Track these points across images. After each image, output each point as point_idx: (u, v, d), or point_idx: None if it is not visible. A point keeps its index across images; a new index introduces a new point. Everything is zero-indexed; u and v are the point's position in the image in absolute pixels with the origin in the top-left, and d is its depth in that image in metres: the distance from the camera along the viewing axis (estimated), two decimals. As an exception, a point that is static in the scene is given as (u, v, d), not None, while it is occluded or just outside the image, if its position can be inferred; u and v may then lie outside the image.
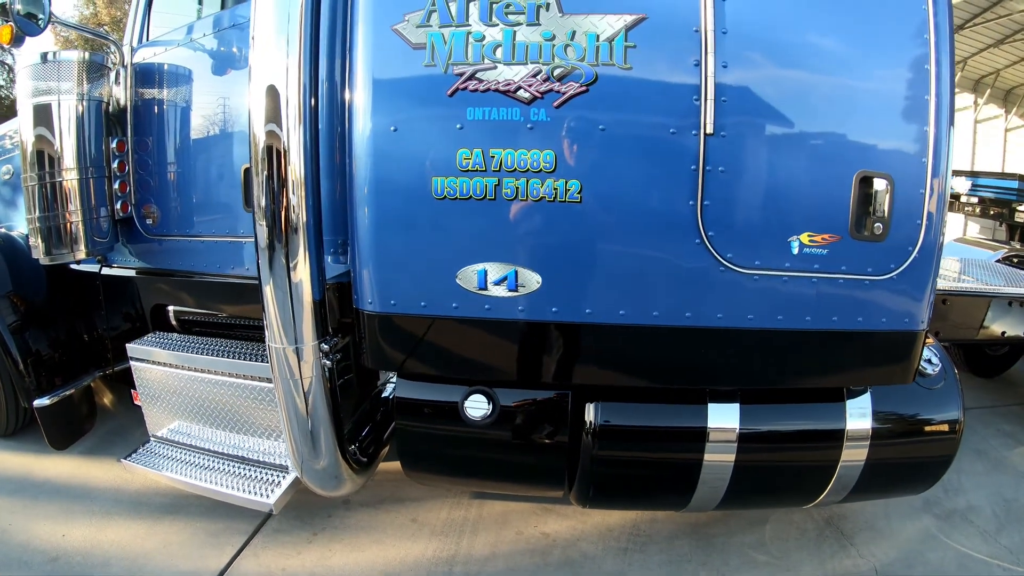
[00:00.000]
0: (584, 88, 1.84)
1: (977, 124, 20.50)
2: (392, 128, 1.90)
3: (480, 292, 1.96)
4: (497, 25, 1.85)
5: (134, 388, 2.82)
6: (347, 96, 1.97)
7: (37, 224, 2.52)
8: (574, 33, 1.83)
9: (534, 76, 1.84)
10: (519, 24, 1.84)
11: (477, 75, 1.85)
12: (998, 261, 4.44)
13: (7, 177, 3.36)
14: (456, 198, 1.89)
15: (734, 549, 2.72)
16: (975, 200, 9.25)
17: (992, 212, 9.05)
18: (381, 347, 2.09)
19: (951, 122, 1.93)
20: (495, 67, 1.85)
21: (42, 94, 2.45)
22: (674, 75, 1.86)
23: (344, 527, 2.79)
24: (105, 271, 2.92)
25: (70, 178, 2.51)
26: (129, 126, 2.62)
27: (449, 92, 1.86)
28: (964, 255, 4.60)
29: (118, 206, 2.64)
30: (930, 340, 2.43)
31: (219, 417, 2.65)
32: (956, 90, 2.01)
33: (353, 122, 1.94)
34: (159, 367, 2.69)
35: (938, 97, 1.90)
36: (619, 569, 2.59)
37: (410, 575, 2.53)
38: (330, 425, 2.12)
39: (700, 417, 2.16)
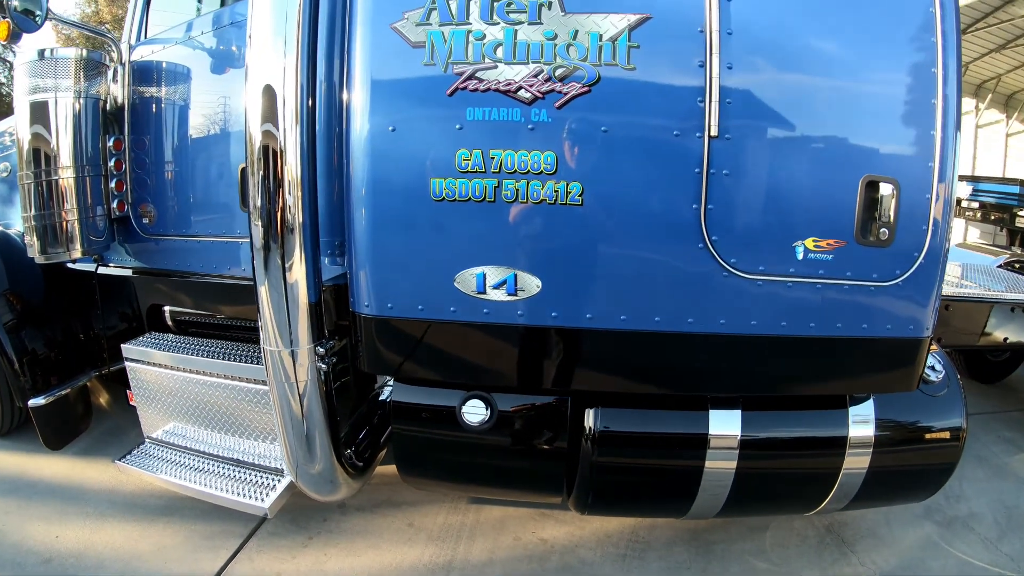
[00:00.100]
0: (586, 89, 1.81)
1: (978, 129, 20.47)
2: (390, 128, 1.87)
3: (479, 296, 1.93)
4: (498, 24, 1.82)
5: (130, 388, 2.80)
6: (345, 96, 1.94)
7: (33, 222, 2.50)
8: (576, 32, 1.80)
9: (535, 76, 1.81)
10: (520, 23, 1.81)
11: (477, 75, 1.82)
12: (999, 266, 4.42)
13: (4, 175, 3.34)
14: (455, 200, 1.86)
15: (734, 556, 2.70)
16: (976, 205, 9.27)
17: (993, 217, 9.05)
18: (378, 351, 2.06)
19: (958, 127, 1.90)
20: (496, 66, 1.82)
21: (39, 91, 2.43)
22: (678, 76, 1.83)
23: (340, 531, 2.77)
24: (101, 270, 2.91)
25: (66, 176, 2.49)
26: (126, 124, 2.61)
27: (449, 92, 1.83)
28: (965, 260, 4.58)
29: (114, 205, 2.63)
30: (934, 347, 2.40)
31: (215, 419, 2.63)
32: (961, 95, 1.99)
33: (351, 122, 1.91)
34: (155, 368, 2.67)
35: (945, 101, 1.87)
36: (617, 576, 2.56)
37: (406, 580, 2.50)
38: (325, 429, 2.09)
39: (701, 423, 2.13)
